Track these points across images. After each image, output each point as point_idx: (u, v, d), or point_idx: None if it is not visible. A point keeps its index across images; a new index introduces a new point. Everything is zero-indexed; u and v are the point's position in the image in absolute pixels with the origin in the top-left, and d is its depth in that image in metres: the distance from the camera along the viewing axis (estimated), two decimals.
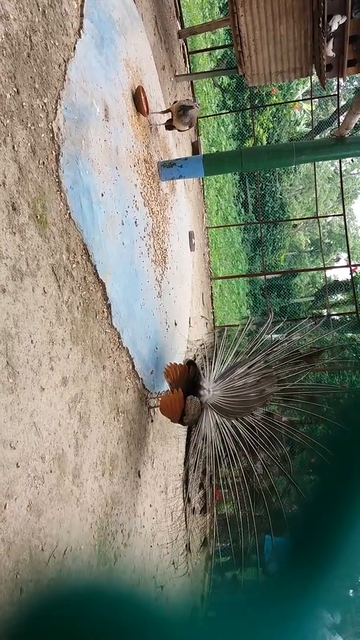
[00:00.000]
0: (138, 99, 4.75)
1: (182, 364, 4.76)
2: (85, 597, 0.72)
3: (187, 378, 4.57)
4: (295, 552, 0.68)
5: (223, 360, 4.83)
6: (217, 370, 4.71)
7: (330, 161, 22.54)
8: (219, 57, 15.37)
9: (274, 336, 4.97)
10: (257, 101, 16.69)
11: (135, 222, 4.53)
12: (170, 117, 5.46)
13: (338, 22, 6.18)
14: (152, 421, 4.73)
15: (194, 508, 4.33)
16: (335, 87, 10.02)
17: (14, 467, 2.23)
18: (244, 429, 4.26)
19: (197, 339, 5.61)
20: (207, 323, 5.77)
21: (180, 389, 4.32)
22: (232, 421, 4.32)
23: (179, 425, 4.52)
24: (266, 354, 4.62)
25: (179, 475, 5.67)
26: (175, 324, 6.00)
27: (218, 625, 0.66)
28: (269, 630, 0.61)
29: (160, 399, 4.52)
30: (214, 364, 4.77)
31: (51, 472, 2.58)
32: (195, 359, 5.11)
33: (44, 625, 0.68)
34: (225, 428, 4.29)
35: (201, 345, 5.47)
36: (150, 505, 4.51)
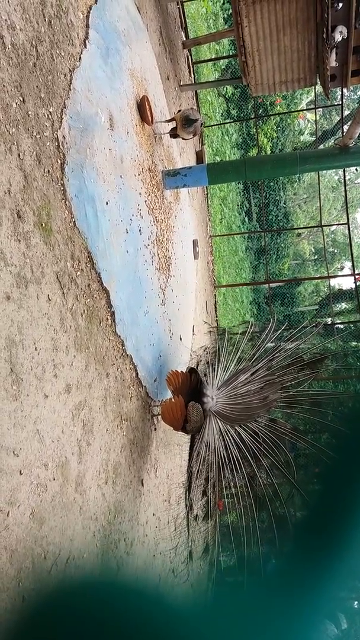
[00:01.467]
0: (143, 108, 4.78)
1: (184, 371, 4.75)
2: (94, 588, 0.72)
3: (190, 386, 4.55)
4: (297, 558, 0.67)
5: (226, 366, 4.81)
6: (220, 376, 4.70)
7: (334, 170, 22.60)
8: (223, 67, 15.49)
9: (277, 343, 4.96)
10: (261, 111, 16.77)
11: (140, 230, 4.54)
12: (175, 126, 5.50)
13: (341, 33, 6.23)
14: (155, 429, 4.71)
15: (196, 515, 4.30)
16: (339, 97, 10.06)
17: (17, 474, 2.23)
18: (248, 436, 4.24)
19: (200, 346, 5.60)
20: (210, 331, 5.75)
21: (181, 396, 4.31)
22: (236, 428, 4.30)
23: (182, 433, 4.50)
24: (269, 360, 4.61)
25: (182, 483, 5.65)
26: (180, 339, 6.00)
27: (222, 618, 0.65)
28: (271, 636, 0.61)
29: (161, 406, 4.48)
30: (217, 370, 4.76)
31: (54, 479, 2.58)
32: (198, 366, 5.11)
33: (53, 616, 0.68)
34: (229, 435, 4.27)
35: (204, 350, 5.45)
36: (153, 514, 4.48)
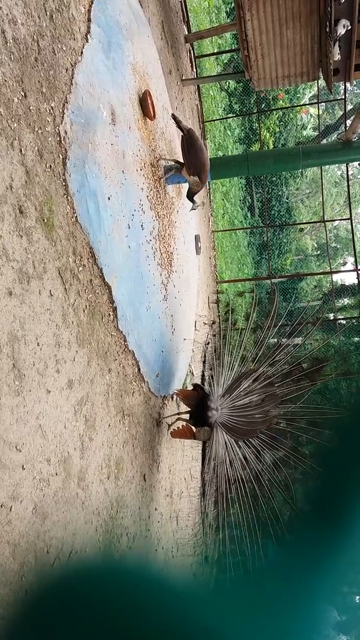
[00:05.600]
0: (145, 103, 4.76)
1: (189, 389, 4.96)
2: (98, 571, 0.73)
3: (197, 397, 4.68)
4: (297, 551, 0.68)
5: (229, 366, 4.84)
6: (224, 380, 4.75)
7: (337, 165, 22.51)
8: (225, 61, 15.40)
9: (279, 339, 4.96)
10: (263, 105, 16.67)
11: (142, 225, 4.54)
12: (181, 166, 5.47)
13: (345, 27, 6.19)
14: (157, 425, 4.73)
15: (210, 524, 4.39)
16: (342, 91, 10.00)
17: (19, 469, 2.24)
18: (250, 453, 4.35)
19: (203, 341, 5.60)
20: (213, 322, 5.75)
21: (188, 425, 4.60)
22: (240, 443, 4.40)
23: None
24: (269, 365, 4.64)
25: (184, 478, 5.67)
26: (185, 339, 6.03)
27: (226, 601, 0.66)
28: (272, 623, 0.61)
29: (170, 431, 4.76)
30: (220, 372, 4.80)
31: (57, 474, 2.59)
32: (204, 359, 5.19)
33: (58, 597, 0.69)
34: (233, 451, 4.37)
35: (207, 344, 5.47)
36: (156, 509, 4.50)
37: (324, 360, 4.59)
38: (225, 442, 4.41)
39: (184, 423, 4.68)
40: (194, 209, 5.83)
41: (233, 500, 4.30)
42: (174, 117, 5.17)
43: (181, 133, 5.18)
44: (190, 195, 5.60)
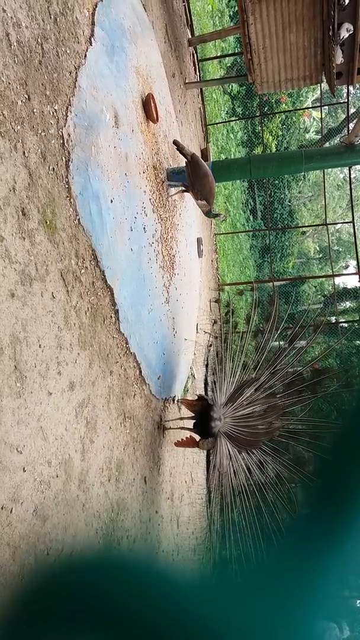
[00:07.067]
0: (148, 106, 4.77)
1: (193, 400, 4.96)
2: (110, 562, 0.73)
3: (200, 407, 4.71)
4: (296, 552, 0.67)
5: (231, 372, 4.84)
6: (226, 388, 4.76)
7: (339, 168, 22.51)
8: (228, 64, 15.44)
9: (280, 344, 4.97)
10: (266, 108, 16.71)
11: (144, 228, 4.54)
12: (186, 188, 5.50)
13: (348, 30, 6.20)
14: (158, 427, 4.72)
15: (216, 529, 4.40)
16: (345, 94, 10.01)
17: (20, 471, 2.24)
18: (254, 464, 4.37)
19: (205, 344, 5.59)
20: (214, 322, 5.75)
21: (192, 436, 4.65)
22: (243, 454, 4.42)
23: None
24: (271, 373, 4.65)
25: (185, 481, 5.66)
26: (185, 340, 6.04)
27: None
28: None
29: (175, 442, 4.82)
30: (223, 379, 4.81)
31: (57, 477, 2.58)
32: (206, 362, 5.20)
33: (57, 586, 0.69)
34: (237, 462, 4.39)
35: (209, 347, 5.47)
36: (156, 512, 4.49)
37: (325, 371, 4.60)
38: (229, 452, 4.43)
39: (189, 434, 4.72)
40: (223, 220, 5.93)
41: (238, 508, 4.31)
42: (176, 143, 5.19)
43: (185, 159, 5.22)
44: (207, 214, 5.70)
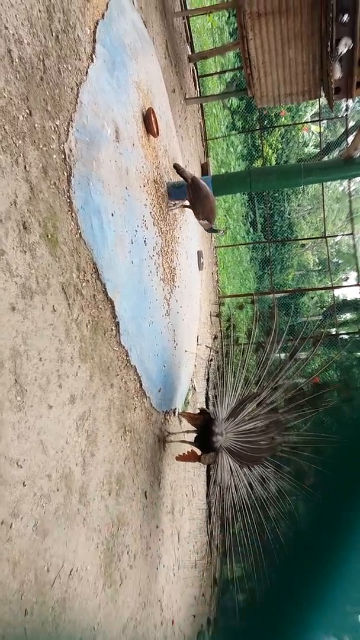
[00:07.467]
0: (148, 120, 4.82)
1: (194, 413, 4.99)
2: None
3: (202, 421, 4.72)
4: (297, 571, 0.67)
5: (233, 387, 4.84)
6: (228, 402, 4.75)
7: (338, 182, 22.64)
8: (228, 80, 15.62)
9: (281, 357, 4.97)
10: (266, 122, 16.88)
11: (145, 241, 4.56)
12: (189, 204, 5.55)
13: (346, 45, 6.29)
14: (159, 440, 4.70)
15: (216, 546, 4.37)
16: (344, 108, 10.12)
17: (20, 485, 2.22)
18: (255, 480, 4.35)
19: (206, 357, 5.58)
20: (215, 337, 5.75)
21: (194, 450, 4.66)
22: (244, 469, 4.41)
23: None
24: (272, 389, 4.65)
25: (186, 495, 5.62)
26: (186, 351, 6.04)
27: None
28: None
29: (176, 456, 4.78)
30: (225, 392, 4.80)
31: (58, 491, 2.57)
32: (207, 377, 5.19)
33: None
34: (239, 476, 4.37)
35: (210, 361, 5.46)
36: (157, 527, 4.45)
37: (326, 386, 4.60)
38: (230, 467, 4.41)
39: (190, 448, 4.72)
40: (223, 234, 6.04)
41: (239, 523, 4.29)
42: (176, 167, 5.26)
43: (186, 182, 5.27)
44: (209, 231, 5.78)
